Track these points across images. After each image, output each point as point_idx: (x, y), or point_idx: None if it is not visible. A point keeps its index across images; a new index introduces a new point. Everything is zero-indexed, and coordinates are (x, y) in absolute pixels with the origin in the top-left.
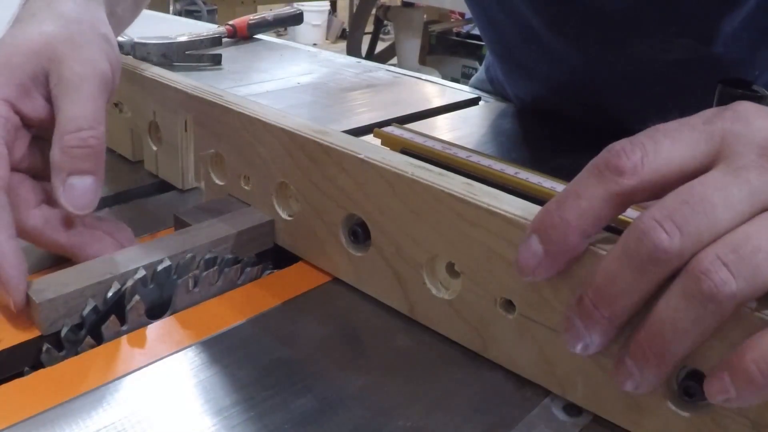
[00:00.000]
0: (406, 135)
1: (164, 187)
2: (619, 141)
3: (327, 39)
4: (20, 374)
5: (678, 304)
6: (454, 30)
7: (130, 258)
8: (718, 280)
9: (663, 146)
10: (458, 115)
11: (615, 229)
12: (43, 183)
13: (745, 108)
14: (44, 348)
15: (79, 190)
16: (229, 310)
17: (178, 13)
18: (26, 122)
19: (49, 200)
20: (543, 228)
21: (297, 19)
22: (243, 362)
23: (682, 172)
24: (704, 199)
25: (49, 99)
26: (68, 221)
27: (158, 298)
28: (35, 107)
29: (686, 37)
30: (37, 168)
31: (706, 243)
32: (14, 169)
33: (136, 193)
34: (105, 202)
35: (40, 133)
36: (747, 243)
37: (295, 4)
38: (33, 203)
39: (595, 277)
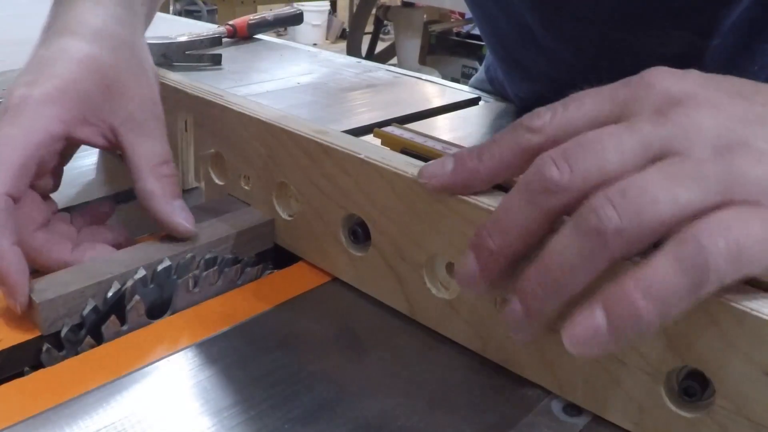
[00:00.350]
0: (406, 135)
1: None
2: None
3: (327, 39)
4: (20, 374)
5: (568, 239)
6: (454, 30)
7: (130, 258)
8: (604, 216)
9: (569, 109)
10: (458, 115)
11: None
12: (45, 203)
13: (652, 74)
14: (44, 348)
15: (186, 210)
16: (229, 310)
17: (178, 13)
18: (69, 144)
19: (48, 221)
20: (460, 158)
21: (297, 19)
22: (243, 362)
23: (585, 130)
24: (596, 142)
25: (100, 129)
26: (64, 240)
27: (158, 298)
28: (85, 134)
29: (684, 31)
30: (47, 188)
31: (595, 182)
32: (31, 186)
33: None
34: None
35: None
36: (633, 186)
37: (295, 4)
38: (37, 224)
39: (494, 211)
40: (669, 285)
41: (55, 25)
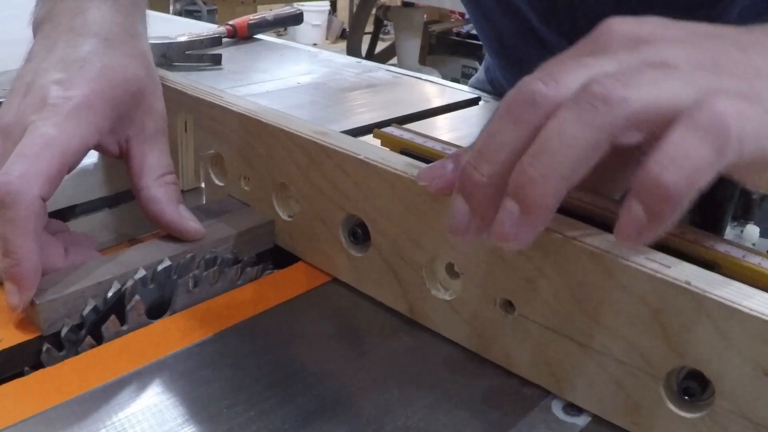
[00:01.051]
0: (406, 135)
1: None
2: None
3: (327, 39)
4: (20, 374)
5: (566, 115)
6: (454, 30)
7: (130, 258)
8: (610, 86)
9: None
10: (458, 115)
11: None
12: None
13: (610, 23)
14: (44, 348)
15: (190, 213)
16: (229, 310)
17: (178, 13)
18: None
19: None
20: (456, 162)
21: (297, 19)
22: (243, 362)
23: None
24: (577, 61)
25: (117, 139)
26: (59, 245)
27: (158, 298)
28: (108, 143)
29: None
30: None
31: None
32: None
33: None
34: (105, 202)
35: None
36: (631, 72)
37: (295, 4)
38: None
39: (477, 142)
40: (693, 155)
41: (71, 23)
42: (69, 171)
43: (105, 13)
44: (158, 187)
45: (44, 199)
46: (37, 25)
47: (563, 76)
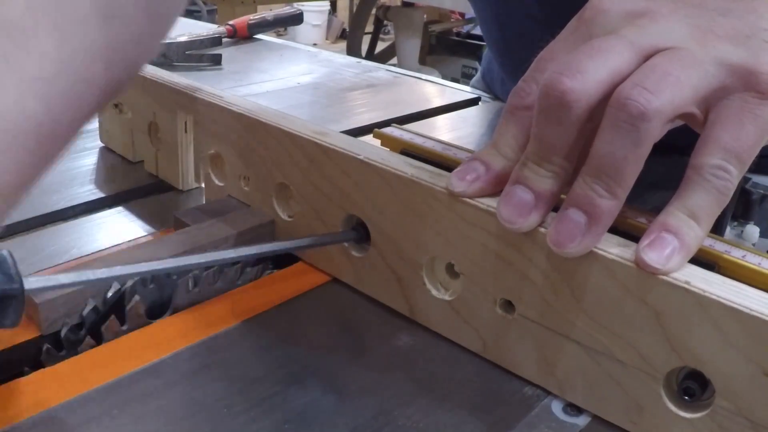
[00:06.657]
0: (406, 136)
1: (164, 187)
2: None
3: (327, 39)
4: (20, 374)
5: (611, 136)
6: (454, 30)
7: (130, 258)
8: (643, 100)
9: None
10: (458, 115)
11: (618, 230)
12: None
13: (599, 4)
14: (44, 348)
15: None
16: (228, 310)
17: None
18: None
19: None
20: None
21: (297, 19)
22: (243, 362)
23: None
24: (592, 47)
25: None
26: None
27: (158, 298)
28: None
29: None
30: None
31: (607, 82)
32: None
33: (136, 193)
34: (105, 202)
35: None
36: (656, 70)
37: (295, 4)
38: None
39: (529, 143)
40: (747, 134)
41: None
42: None
43: None
44: None
45: None
46: None
47: (584, 66)
